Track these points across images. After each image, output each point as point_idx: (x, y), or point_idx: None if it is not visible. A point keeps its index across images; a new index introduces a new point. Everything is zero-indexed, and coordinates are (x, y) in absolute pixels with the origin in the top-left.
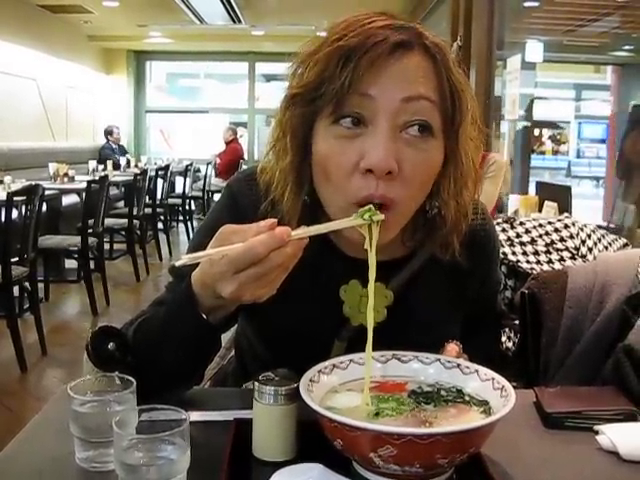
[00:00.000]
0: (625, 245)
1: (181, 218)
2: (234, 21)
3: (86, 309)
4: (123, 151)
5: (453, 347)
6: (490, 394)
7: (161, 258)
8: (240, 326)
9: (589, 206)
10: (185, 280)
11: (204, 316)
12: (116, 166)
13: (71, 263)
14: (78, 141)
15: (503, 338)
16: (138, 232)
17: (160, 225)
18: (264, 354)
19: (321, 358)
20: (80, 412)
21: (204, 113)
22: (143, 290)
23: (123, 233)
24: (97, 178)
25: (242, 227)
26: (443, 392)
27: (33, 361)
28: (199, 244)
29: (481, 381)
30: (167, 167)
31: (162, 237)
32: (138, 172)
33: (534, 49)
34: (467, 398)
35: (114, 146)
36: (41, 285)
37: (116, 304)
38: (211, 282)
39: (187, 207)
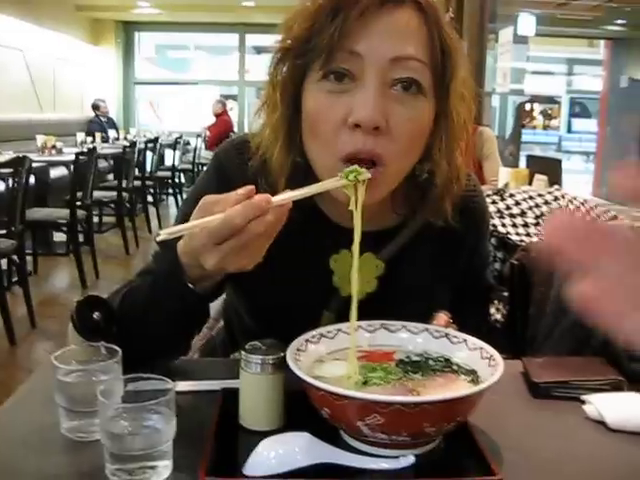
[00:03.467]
0: (614, 217)
1: (171, 191)
2: None
3: (75, 282)
4: (112, 124)
5: (442, 317)
6: (478, 363)
7: (150, 231)
8: (228, 297)
9: (579, 180)
10: (171, 250)
11: (191, 286)
12: (105, 139)
13: (60, 236)
14: (66, 113)
15: (492, 310)
16: (127, 205)
17: (150, 198)
18: (252, 325)
19: (310, 329)
20: (65, 382)
21: (194, 85)
22: (133, 263)
23: (112, 206)
24: (85, 150)
25: (222, 197)
26: (431, 361)
27: (22, 334)
28: (186, 214)
29: (469, 350)
30: (156, 139)
31: (152, 210)
32: (127, 145)
33: (526, 22)
34: (455, 367)
35: (103, 119)
36: (30, 258)
37: (106, 277)
38: (193, 254)
39: (177, 180)
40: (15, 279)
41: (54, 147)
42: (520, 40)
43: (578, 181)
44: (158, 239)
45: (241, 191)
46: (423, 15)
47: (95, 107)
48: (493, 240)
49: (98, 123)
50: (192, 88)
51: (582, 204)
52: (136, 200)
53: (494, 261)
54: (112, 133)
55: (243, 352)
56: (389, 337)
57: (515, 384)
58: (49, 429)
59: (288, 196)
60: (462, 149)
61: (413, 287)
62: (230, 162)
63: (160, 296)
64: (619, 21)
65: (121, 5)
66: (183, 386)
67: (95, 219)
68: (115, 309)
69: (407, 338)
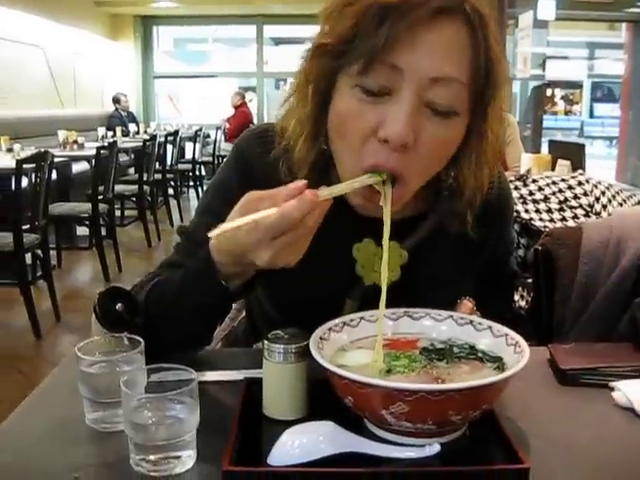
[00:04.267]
0: (639, 202)
1: (191, 183)
2: None
3: (99, 275)
4: (132, 118)
5: (466, 304)
6: (504, 350)
7: (172, 224)
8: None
9: (602, 166)
10: (203, 247)
11: (224, 283)
12: (125, 133)
13: (83, 230)
14: (87, 108)
15: (516, 297)
16: (149, 198)
17: (170, 191)
18: (275, 314)
19: (333, 318)
20: (89, 373)
21: (212, 78)
22: (155, 255)
23: (134, 199)
24: (106, 145)
25: (269, 192)
26: (456, 349)
27: (47, 327)
28: (207, 205)
29: (494, 337)
30: (176, 132)
31: (173, 203)
32: (147, 138)
33: (546, 6)
34: (480, 354)
35: (123, 114)
36: (53, 253)
37: (128, 270)
38: (242, 251)
39: (197, 172)
40: (39, 273)
41: (75, 142)
42: (540, 25)
43: (601, 166)
44: (212, 234)
45: (292, 186)
46: (473, 29)
47: (116, 100)
48: (516, 226)
49: (118, 117)
50: (211, 81)
51: (607, 189)
52: (157, 193)
53: (517, 247)
54: (132, 127)
55: (266, 341)
56: (413, 325)
57: (541, 371)
58: (74, 420)
59: (330, 192)
60: (491, 164)
61: (437, 275)
62: (251, 151)
63: (191, 293)
64: None
65: (139, 0)
66: (206, 376)
67: (117, 213)
68: (139, 300)
69: (431, 325)
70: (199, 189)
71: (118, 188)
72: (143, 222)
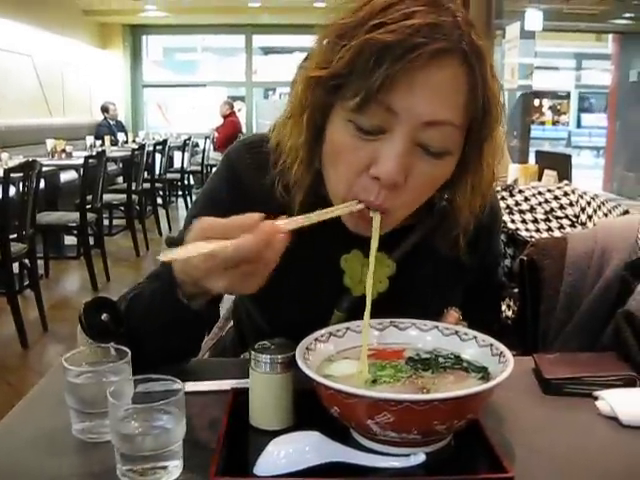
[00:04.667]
0: (625, 212)
1: (180, 193)
2: None
3: (86, 285)
4: (121, 127)
5: (452, 314)
6: (488, 360)
7: (160, 233)
8: (237, 297)
9: (589, 175)
10: (167, 267)
11: (185, 301)
12: (114, 142)
13: (71, 239)
14: (75, 117)
15: (502, 307)
16: (137, 207)
17: (159, 200)
18: (262, 325)
19: (320, 329)
20: (75, 383)
21: (202, 87)
22: (143, 265)
23: (122, 209)
24: (94, 154)
25: (222, 221)
26: (441, 359)
27: (34, 337)
28: (196, 216)
29: (479, 347)
30: (165, 142)
31: (161, 212)
32: (136, 147)
33: (533, 17)
34: (465, 364)
35: (112, 122)
36: (41, 262)
37: (116, 279)
38: (198, 276)
39: (186, 182)
40: (27, 282)
41: (64, 151)
42: (527, 35)
43: (588, 176)
44: (160, 258)
45: (248, 222)
46: (470, 68)
47: (105, 109)
48: (503, 236)
49: (107, 126)
50: (200, 90)
51: (593, 199)
52: (146, 202)
53: (504, 257)
54: (121, 136)
55: (252, 351)
56: (398, 335)
57: (526, 380)
58: (60, 431)
59: (297, 222)
60: (485, 193)
61: (424, 286)
62: (241, 162)
63: (156, 310)
64: (627, 15)
65: (128, 9)
66: (193, 386)
67: (105, 222)
68: (122, 311)
69: (416, 336)
70: (188, 198)
71: (106, 197)
72: (131, 231)
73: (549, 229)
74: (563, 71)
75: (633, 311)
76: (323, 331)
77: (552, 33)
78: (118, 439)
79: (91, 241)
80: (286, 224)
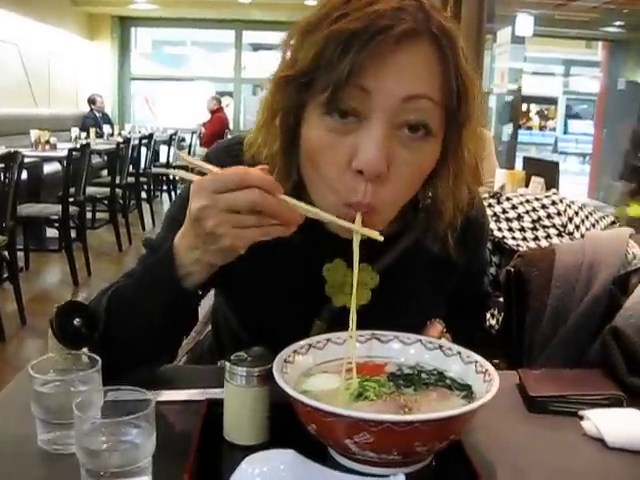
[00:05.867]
0: (613, 223)
1: (165, 188)
2: None
3: (67, 279)
4: (107, 119)
5: (436, 326)
6: (473, 378)
7: (144, 228)
8: (217, 302)
9: (575, 182)
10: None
11: (178, 275)
12: (99, 134)
13: (53, 232)
14: (61, 108)
15: (487, 316)
16: (121, 201)
17: (143, 194)
18: (241, 332)
19: (301, 338)
20: (42, 392)
21: (190, 81)
22: (125, 260)
23: (106, 202)
24: (78, 146)
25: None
26: (424, 375)
27: (12, 331)
28: (174, 218)
29: (463, 364)
30: (151, 136)
31: (145, 207)
32: (121, 140)
33: (524, 22)
34: (449, 381)
35: (98, 115)
36: (21, 254)
37: (98, 274)
38: (192, 215)
39: (171, 177)
40: (6, 275)
41: (48, 142)
42: (518, 40)
43: (574, 182)
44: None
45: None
46: (441, 50)
47: (92, 101)
48: (489, 244)
49: (93, 118)
50: (188, 84)
51: (580, 209)
52: (130, 197)
53: (490, 265)
54: (107, 129)
55: (227, 363)
56: (381, 348)
57: (511, 397)
58: (25, 440)
59: (296, 203)
60: (470, 184)
61: (409, 297)
62: (219, 163)
63: (149, 289)
64: (617, 23)
65: (117, 0)
66: (166, 395)
67: (88, 215)
68: (99, 313)
69: (399, 349)
70: (172, 193)
71: (90, 190)
72: (114, 225)
73: (536, 238)
74: (552, 77)
75: (620, 327)
76: (302, 343)
77: (542, 38)
78: (83, 454)
79: (73, 234)
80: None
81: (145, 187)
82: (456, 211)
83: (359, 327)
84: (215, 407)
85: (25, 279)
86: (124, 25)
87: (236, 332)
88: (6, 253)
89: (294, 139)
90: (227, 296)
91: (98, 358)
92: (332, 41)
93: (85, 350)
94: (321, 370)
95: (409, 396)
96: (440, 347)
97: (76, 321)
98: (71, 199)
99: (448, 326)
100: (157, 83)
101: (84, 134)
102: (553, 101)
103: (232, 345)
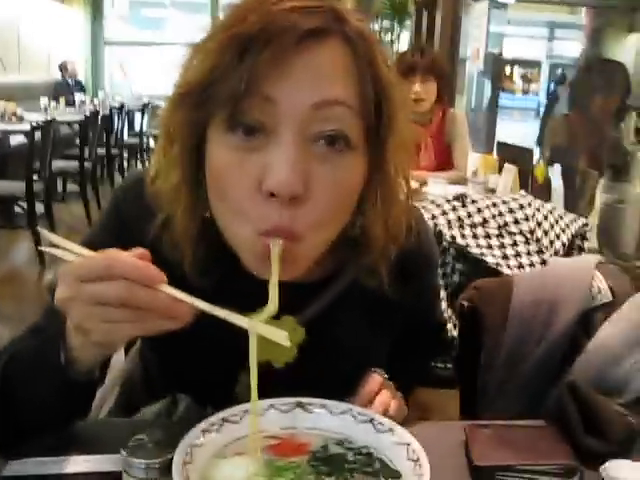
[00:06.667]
0: (585, 225)
1: (139, 157)
2: None
3: (34, 258)
4: (80, 87)
5: (375, 378)
6: (403, 464)
7: None
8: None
9: None
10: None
11: (62, 358)
12: (70, 102)
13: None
14: (31, 75)
15: (449, 326)
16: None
17: (116, 165)
18: (164, 381)
19: (227, 391)
20: None
21: (167, 46)
22: None
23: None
24: (42, 122)
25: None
26: (350, 455)
27: None
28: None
29: (396, 445)
30: (122, 107)
31: (118, 179)
32: (92, 110)
33: None
34: (377, 466)
35: (70, 82)
36: None
37: None
38: (57, 304)
39: (145, 146)
40: None
41: (14, 114)
42: (499, 6)
43: None
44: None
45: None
46: (352, 50)
47: (63, 67)
48: (452, 251)
49: (65, 84)
50: (165, 48)
51: (550, 213)
52: (102, 168)
53: (452, 273)
54: (79, 96)
55: (124, 452)
56: (306, 418)
57: (454, 458)
58: None
59: (188, 298)
60: (403, 208)
61: (344, 344)
62: (128, 204)
63: (36, 368)
64: None
65: None
66: (73, 464)
67: (60, 188)
68: None
69: (327, 420)
70: (146, 163)
71: (60, 164)
72: (84, 200)
73: (502, 245)
74: (535, 40)
75: (577, 381)
76: (214, 418)
77: (526, 3)
78: None
79: (42, 209)
80: (177, 292)
81: (118, 158)
82: (389, 240)
83: (286, 386)
84: None
85: None
86: None
87: (160, 380)
88: None
89: (198, 167)
90: (146, 345)
91: None
92: (227, 48)
93: None
94: (235, 451)
95: None
96: (371, 420)
97: None
98: (35, 177)
99: (396, 362)
100: (132, 48)
101: (54, 103)
102: (536, 64)
103: (162, 383)
